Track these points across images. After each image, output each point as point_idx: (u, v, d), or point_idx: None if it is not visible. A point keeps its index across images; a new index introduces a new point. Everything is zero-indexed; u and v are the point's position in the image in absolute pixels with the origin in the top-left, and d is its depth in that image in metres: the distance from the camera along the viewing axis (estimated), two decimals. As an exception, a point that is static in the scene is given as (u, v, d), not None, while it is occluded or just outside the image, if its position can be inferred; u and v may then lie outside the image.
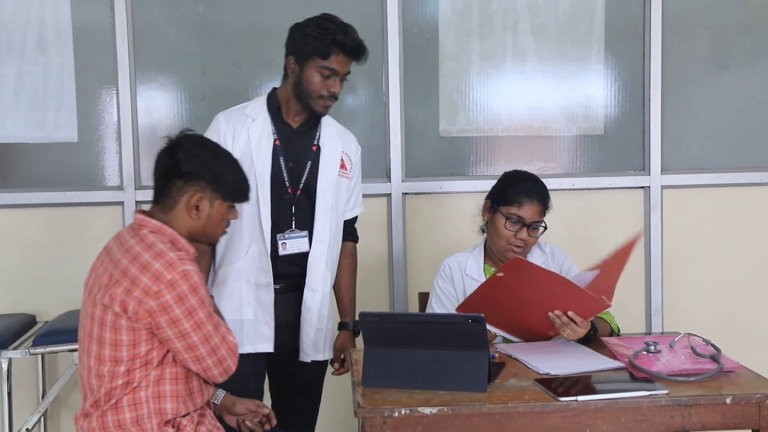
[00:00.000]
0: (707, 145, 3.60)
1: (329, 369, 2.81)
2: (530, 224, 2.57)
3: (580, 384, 2.14)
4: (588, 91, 3.54)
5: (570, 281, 2.34)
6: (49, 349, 2.90)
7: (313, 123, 2.66)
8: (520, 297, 2.40)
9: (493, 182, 3.05)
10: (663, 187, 3.52)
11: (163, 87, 3.35)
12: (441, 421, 2.03)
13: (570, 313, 2.37)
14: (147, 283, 2.02)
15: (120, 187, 3.30)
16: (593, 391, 2.08)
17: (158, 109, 3.34)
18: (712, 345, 2.28)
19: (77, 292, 3.02)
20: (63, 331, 2.91)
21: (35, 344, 2.89)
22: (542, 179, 3.25)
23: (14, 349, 2.87)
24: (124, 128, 3.28)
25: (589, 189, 3.51)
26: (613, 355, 2.33)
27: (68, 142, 3.32)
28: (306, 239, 2.61)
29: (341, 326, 2.80)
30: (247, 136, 2.58)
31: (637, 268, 3.55)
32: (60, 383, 3.00)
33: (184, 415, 2.13)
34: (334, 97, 2.58)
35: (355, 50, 2.55)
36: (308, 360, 2.67)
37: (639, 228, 3.54)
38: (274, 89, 2.67)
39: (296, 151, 2.63)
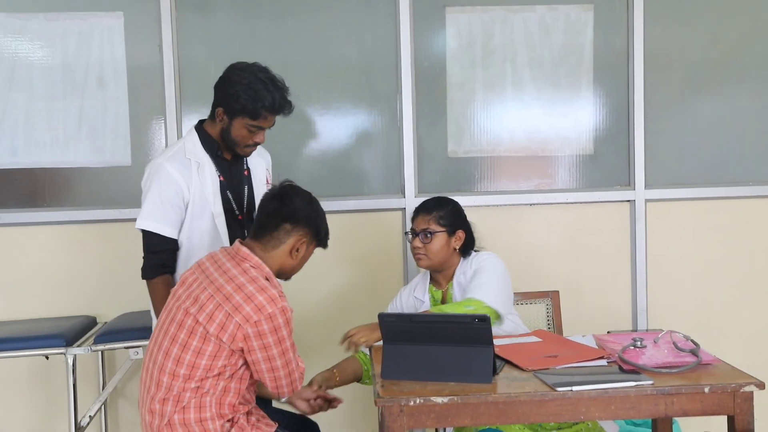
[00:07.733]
0: (685, 164, 3.57)
1: None
2: (419, 232, 2.63)
3: (575, 376, 2.12)
4: (579, 116, 3.51)
5: (589, 348, 2.34)
6: (108, 346, 2.91)
7: None
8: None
9: (497, 197, 3.26)
10: (647, 201, 3.49)
11: (205, 116, 3.27)
12: (451, 409, 2.03)
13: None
14: (249, 312, 2.03)
15: (168, 205, 3.29)
16: (586, 382, 2.06)
17: (201, 137, 3.33)
18: (692, 340, 2.27)
19: (131, 296, 3.17)
20: (120, 331, 2.93)
21: (96, 342, 2.90)
22: (539, 194, 3.26)
23: (78, 346, 2.89)
24: (171, 153, 3.27)
25: (580, 203, 3.48)
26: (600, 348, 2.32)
27: (123, 165, 3.32)
28: None
29: None
30: (200, 181, 2.50)
31: (624, 272, 3.52)
32: (118, 376, 2.99)
33: None
34: (257, 144, 2.54)
35: (281, 109, 2.47)
36: None
37: (625, 237, 3.49)
38: (201, 123, 2.59)
39: (235, 181, 2.61)
